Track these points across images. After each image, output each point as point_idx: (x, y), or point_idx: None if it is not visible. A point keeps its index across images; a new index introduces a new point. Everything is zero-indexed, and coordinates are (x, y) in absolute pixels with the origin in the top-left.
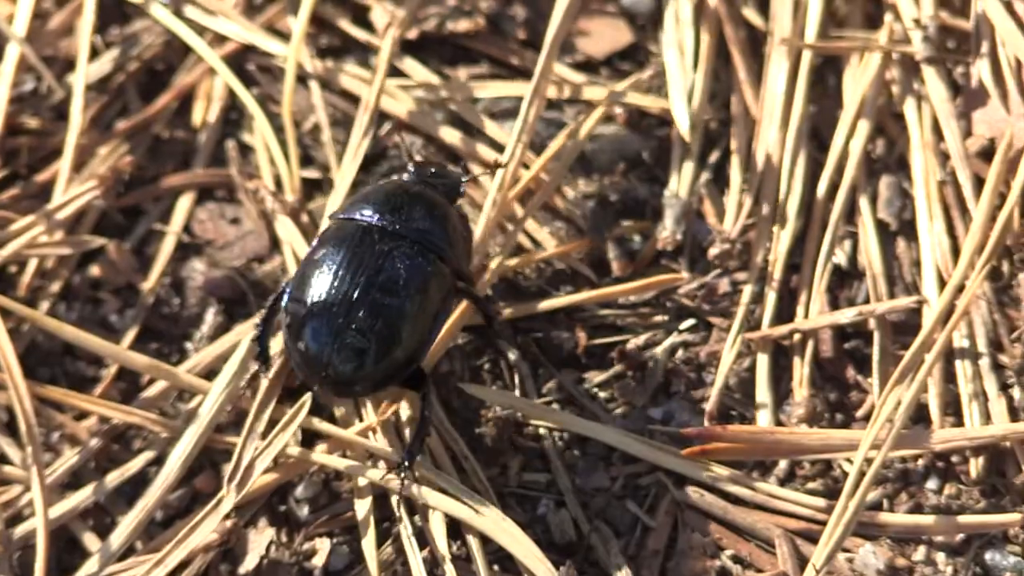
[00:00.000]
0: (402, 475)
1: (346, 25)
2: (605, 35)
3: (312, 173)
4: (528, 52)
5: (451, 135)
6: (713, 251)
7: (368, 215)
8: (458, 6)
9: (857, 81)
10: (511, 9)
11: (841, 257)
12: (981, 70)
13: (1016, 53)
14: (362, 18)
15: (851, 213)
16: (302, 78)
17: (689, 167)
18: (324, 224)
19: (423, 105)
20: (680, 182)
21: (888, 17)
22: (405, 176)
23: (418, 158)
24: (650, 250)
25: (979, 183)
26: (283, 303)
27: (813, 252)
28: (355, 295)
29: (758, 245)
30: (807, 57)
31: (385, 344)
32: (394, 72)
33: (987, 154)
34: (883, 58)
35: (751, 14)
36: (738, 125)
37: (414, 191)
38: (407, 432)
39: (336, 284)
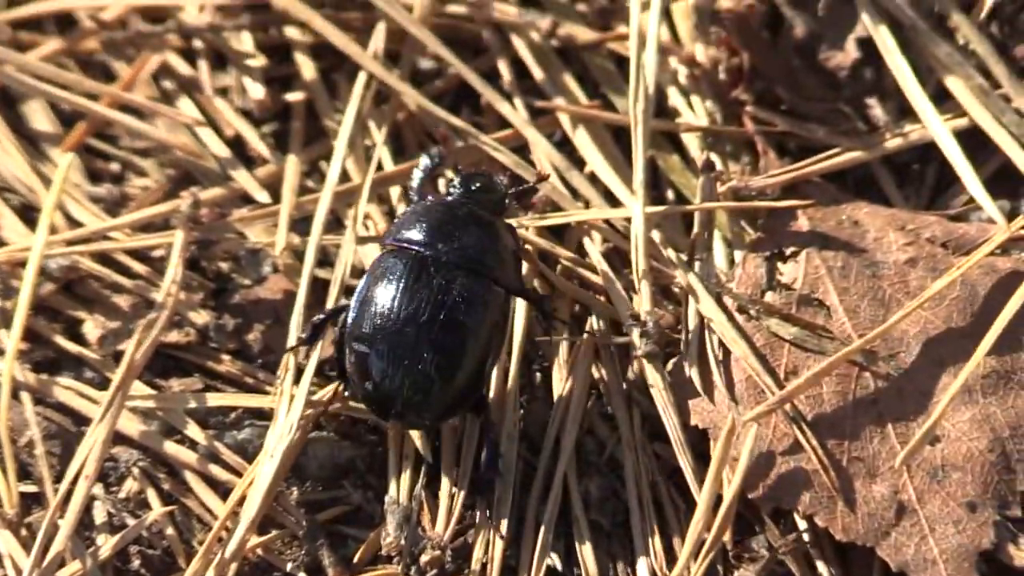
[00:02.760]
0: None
1: (60, 339)
2: None
3: (30, 487)
4: (239, 363)
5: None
6: (424, 557)
7: (420, 244)
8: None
9: (565, 378)
10: (222, 319)
11: (555, 559)
12: (695, 362)
13: (727, 345)
14: (75, 331)
15: (565, 514)
16: (16, 392)
17: (407, 474)
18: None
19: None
20: (400, 488)
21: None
22: (451, 191)
23: (462, 170)
24: (366, 554)
25: (698, 474)
26: (346, 339)
27: (528, 555)
28: (417, 331)
29: (473, 549)
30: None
31: (450, 376)
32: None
33: (703, 446)
34: (593, 353)
35: None
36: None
37: (462, 213)
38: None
39: (397, 321)
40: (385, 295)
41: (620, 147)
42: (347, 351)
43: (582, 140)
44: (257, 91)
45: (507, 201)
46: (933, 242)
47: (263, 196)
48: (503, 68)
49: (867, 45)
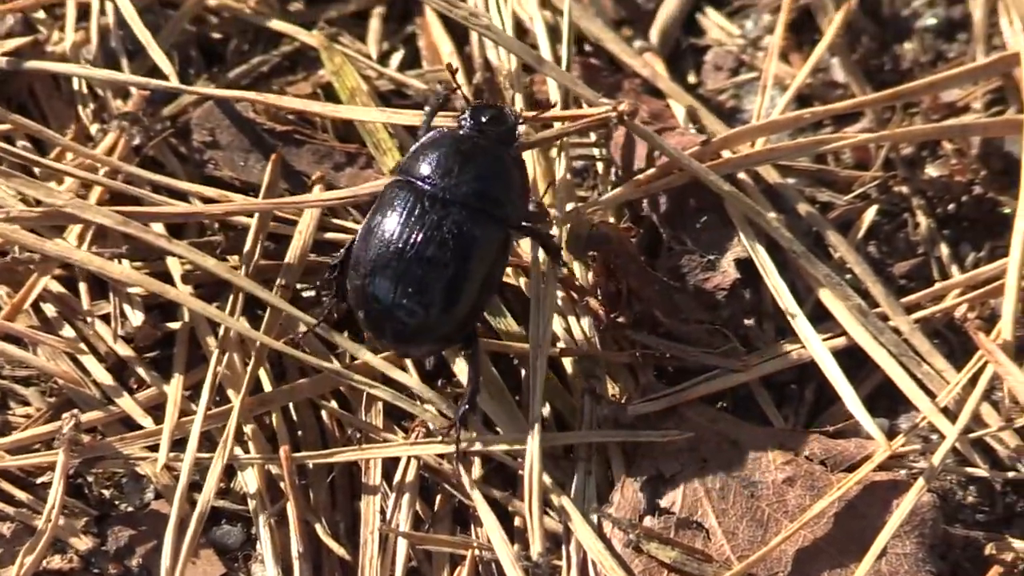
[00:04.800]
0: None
1: None
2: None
3: None
4: None
5: None
6: None
7: (421, 178)
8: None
9: None
10: (105, 544)
11: None
12: None
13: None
14: None
15: None
16: None
17: None
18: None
19: None
20: None
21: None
22: (461, 123)
23: (474, 100)
24: None
25: None
26: (348, 264)
27: None
28: (409, 264)
29: None
30: None
31: (439, 310)
32: None
33: None
34: None
35: None
36: None
37: (466, 148)
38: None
39: (393, 252)
40: (384, 227)
41: (499, 372)
42: (348, 276)
43: (462, 367)
44: (137, 318)
45: (517, 132)
46: (812, 460)
47: (146, 421)
48: None
49: (745, 266)
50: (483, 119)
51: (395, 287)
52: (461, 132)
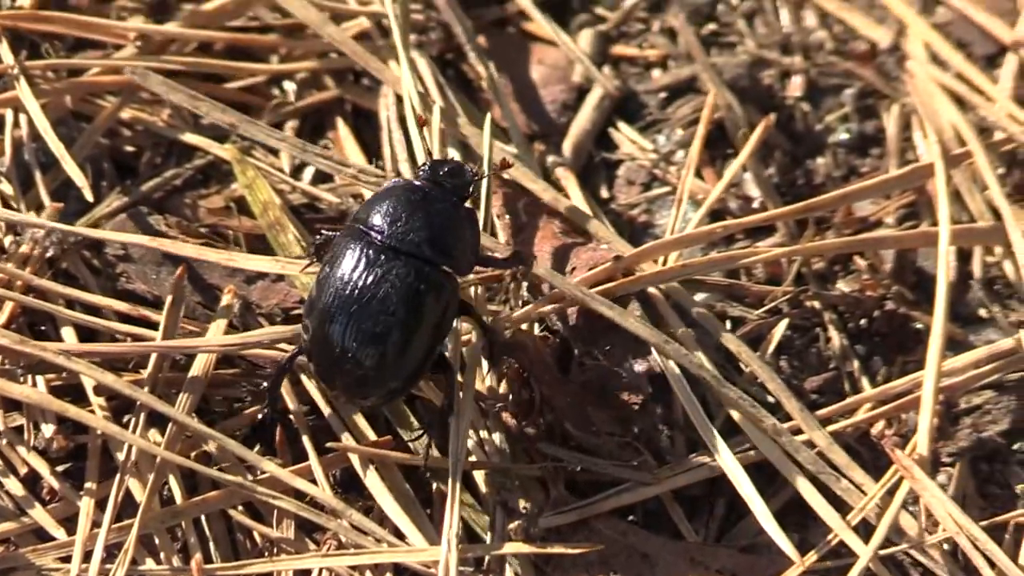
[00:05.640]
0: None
1: None
2: None
3: None
4: None
5: None
6: None
7: (370, 226)
8: None
9: None
10: None
11: None
12: None
13: None
14: None
15: None
16: None
17: None
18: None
19: None
20: None
21: None
22: (419, 174)
23: (435, 155)
24: None
25: None
26: (303, 312)
27: None
28: (357, 314)
29: None
30: None
31: (385, 362)
32: None
33: None
34: None
35: None
36: None
37: (416, 198)
38: None
39: (341, 301)
40: (335, 274)
41: (411, 485)
42: (302, 323)
43: (372, 480)
44: (49, 430)
45: (471, 187)
46: (723, 574)
47: (59, 532)
48: (291, 404)
49: (657, 380)
50: (440, 171)
51: (344, 335)
52: (416, 183)
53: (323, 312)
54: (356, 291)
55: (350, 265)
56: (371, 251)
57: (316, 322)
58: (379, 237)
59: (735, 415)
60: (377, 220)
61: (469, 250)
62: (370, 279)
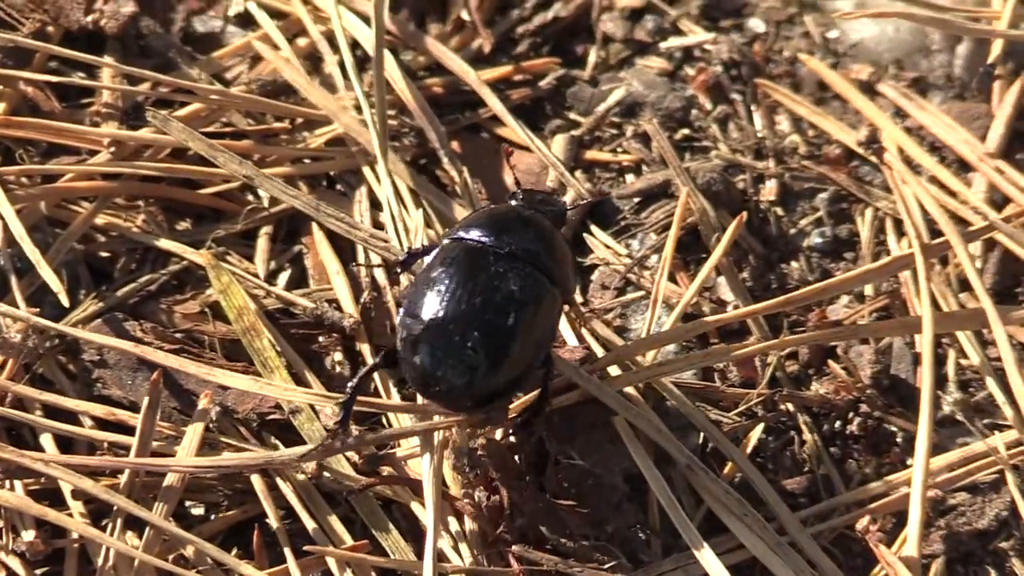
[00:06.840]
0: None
1: None
2: None
3: None
4: None
5: None
6: None
7: (481, 237)
8: None
9: None
10: None
11: None
12: None
13: None
14: None
15: None
16: None
17: None
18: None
19: None
20: None
21: None
22: (513, 202)
23: (526, 186)
24: None
25: None
26: (398, 320)
27: None
28: (470, 314)
29: None
30: None
31: (495, 363)
32: None
33: None
34: None
35: None
36: None
37: (524, 215)
38: None
39: (451, 302)
40: (442, 278)
41: None
42: (399, 328)
43: None
44: (28, 534)
45: (566, 215)
46: None
47: None
48: (270, 512)
49: (634, 480)
50: (536, 199)
51: (452, 337)
52: (515, 203)
53: (430, 318)
54: (468, 295)
55: (461, 270)
56: (489, 256)
57: (420, 329)
58: (492, 243)
59: (718, 512)
60: (487, 230)
61: (571, 274)
62: (484, 282)
